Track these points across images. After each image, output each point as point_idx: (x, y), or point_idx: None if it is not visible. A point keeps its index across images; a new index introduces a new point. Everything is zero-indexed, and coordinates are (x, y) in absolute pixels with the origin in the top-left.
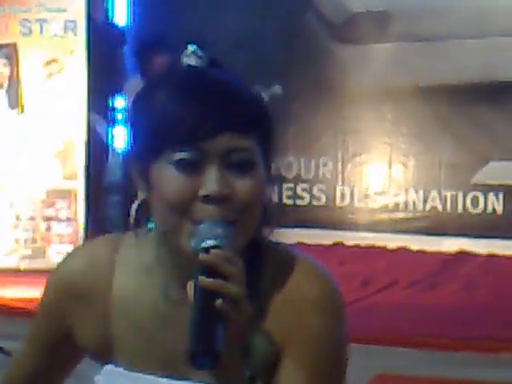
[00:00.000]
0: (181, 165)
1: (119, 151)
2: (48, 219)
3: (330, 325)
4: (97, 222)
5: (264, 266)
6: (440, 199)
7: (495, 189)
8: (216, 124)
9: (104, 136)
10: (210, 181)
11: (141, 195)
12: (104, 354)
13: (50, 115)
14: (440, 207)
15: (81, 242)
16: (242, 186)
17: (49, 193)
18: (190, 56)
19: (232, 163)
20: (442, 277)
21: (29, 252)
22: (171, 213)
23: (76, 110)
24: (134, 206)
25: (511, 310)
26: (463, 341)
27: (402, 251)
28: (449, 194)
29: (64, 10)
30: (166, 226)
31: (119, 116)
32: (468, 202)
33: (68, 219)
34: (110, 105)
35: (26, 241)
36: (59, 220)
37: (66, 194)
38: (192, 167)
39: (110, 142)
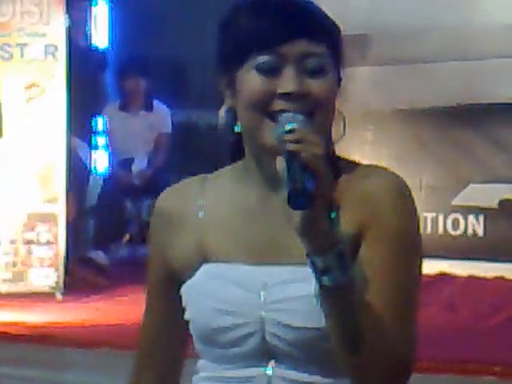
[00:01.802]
0: (261, 68)
1: (100, 174)
2: (28, 243)
3: (404, 212)
4: (78, 246)
5: (339, 172)
6: (421, 221)
7: (476, 211)
8: (293, 30)
9: (85, 159)
10: (287, 80)
11: (227, 103)
12: (195, 265)
13: (31, 139)
14: (421, 229)
15: (61, 265)
16: (317, 85)
17: (29, 216)
18: None
19: (307, 67)
20: (423, 299)
21: (9, 275)
22: (253, 110)
23: (57, 134)
24: (222, 112)
25: (492, 332)
26: (445, 363)
27: None
28: (429, 216)
29: (44, 35)
30: (249, 124)
31: (100, 139)
32: (449, 224)
33: (49, 243)
34: (91, 128)
35: (6, 264)
36: (40, 243)
37: (47, 218)
38: (271, 69)
39: (91, 166)
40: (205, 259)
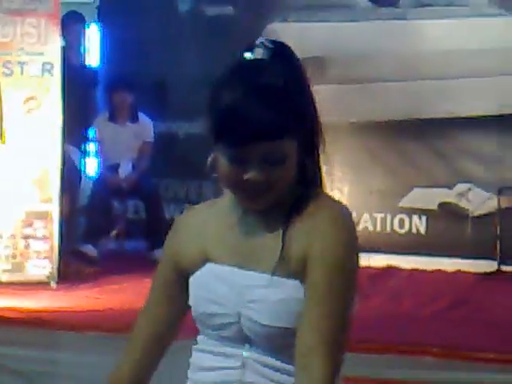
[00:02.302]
0: (229, 158)
1: (90, 177)
2: (27, 237)
3: (344, 235)
4: (70, 240)
5: (305, 206)
6: (371, 221)
7: (419, 212)
8: (257, 135)
9: (77, 164)
10: (251, 170)
11: (211, 158)
12: (199, 265)
13: (29, 145)
14: (371, 228)
15: (55, 257)
16: (275, 173)
17: (27, 214)
18: (259, 47)
19: (268, 160)
20: (372, 289)
21: (9, 266)
22: (225, 184)
23: (52, 141)
24: (209, 161)
25: (431, 318)
26: (389, 345)
27: None
28: (378, 216)
29: (42, 54)
30: (224, 186)
31: (91, 146)
32: (395, 223)
33: (44, 237)
34: (83, 137)
35: (6, 256)
36: (36, 238)
37: (43, 216)
38: (238, 161)
39: (82, 170)
40: (205, 261)
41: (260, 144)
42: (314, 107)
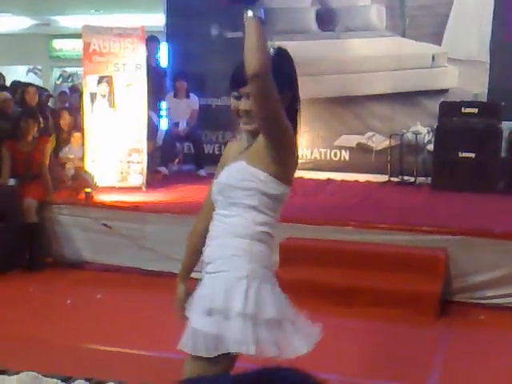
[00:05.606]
0: (234, 96)
1: (163, 130)
2: (129, 162)
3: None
4: (152, 164)
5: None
6: (318, 153)
7: (345, 148)
8: (243, 82)
9: (155, 122)
10: (242, 104)
11: (230, 100)
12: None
13: (129, 111)
14: (318, 157)
15: (145, 174)
16: (252, 104)
17: (129, 149)
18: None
19: (247, 95)
20: (318, 191)
21: (120, 178)
22: (233, 113)
23: (141, 108)
24: (231, 101)
25: (352, 206)
26: (327, 220)
27: (300, 180)
28: (323, 151)
29: (134, 59)
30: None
31: (163, 112)
32: (332, 154)
33: (138, 162)
34: (159, 106)
35: (119, 173)
36: (134, 163)
37: (138, 150)
38: (237, 98)
39: (158, 125)
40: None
41: (244, 87)
42: (294, 81)
